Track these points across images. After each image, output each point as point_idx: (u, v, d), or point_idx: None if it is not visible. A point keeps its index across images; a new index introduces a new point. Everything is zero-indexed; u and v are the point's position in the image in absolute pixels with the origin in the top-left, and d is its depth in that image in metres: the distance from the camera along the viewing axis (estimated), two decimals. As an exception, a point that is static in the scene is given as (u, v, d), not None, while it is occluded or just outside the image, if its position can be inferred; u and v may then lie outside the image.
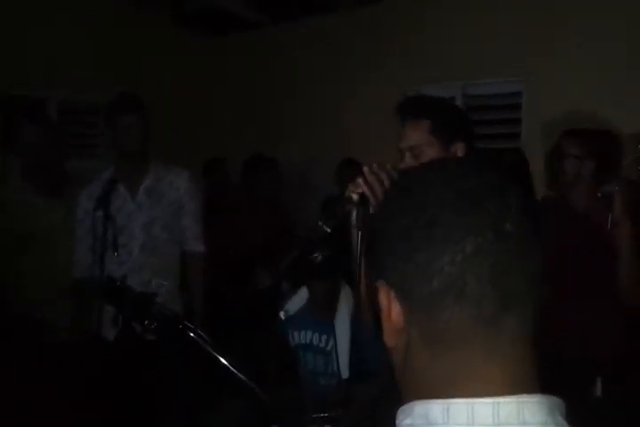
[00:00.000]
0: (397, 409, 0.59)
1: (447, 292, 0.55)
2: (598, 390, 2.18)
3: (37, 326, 2.58)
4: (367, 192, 1.49)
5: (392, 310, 0.59)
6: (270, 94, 5.03)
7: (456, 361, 0.56)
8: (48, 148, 2.68)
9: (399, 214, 0.59)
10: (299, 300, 2.79)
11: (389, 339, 0.61)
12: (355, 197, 1.49)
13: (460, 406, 0.53)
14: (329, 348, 2.68)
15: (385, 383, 1.86)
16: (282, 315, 2.74)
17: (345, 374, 2.63)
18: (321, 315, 2.73)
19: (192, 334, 1.18)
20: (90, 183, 2.60)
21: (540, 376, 0.57)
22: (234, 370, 1.13)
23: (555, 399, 0.55)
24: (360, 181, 1.50)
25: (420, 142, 1.58)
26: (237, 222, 3.74)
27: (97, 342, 2.44)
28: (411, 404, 0.57)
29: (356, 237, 1.49)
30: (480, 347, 0.55)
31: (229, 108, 5.28)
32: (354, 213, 1.51)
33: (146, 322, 1.25)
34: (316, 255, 2.57)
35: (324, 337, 2.70)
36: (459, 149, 1.58)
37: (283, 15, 4.83)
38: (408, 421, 0.56)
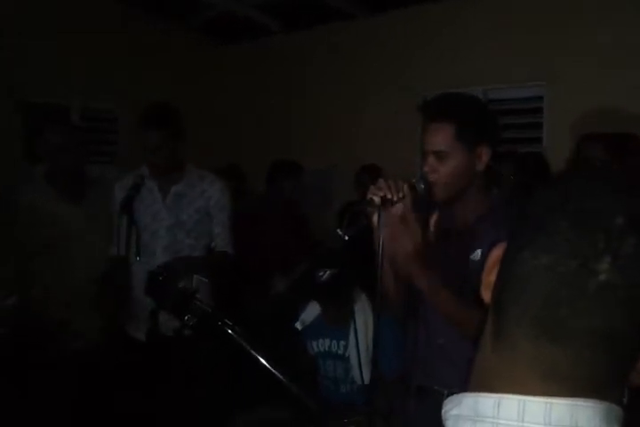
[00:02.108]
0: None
1: (537, 276, 0.52)
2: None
3: (58, 329, 2.60)
4: (389, 195, 1.50)
5: (494, 269, 0.59)
6: (287, 101, 5.05)
7: (520, 355, 0.54)
8: (71, 152, 2.72)
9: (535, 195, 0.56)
10: (314, 308, 2.78)
11: (485, 296, 0.61)
12: (376, 199, 1.50)
13: (511, 402, 0.52)
14: (347, 354, 2.67)
15: (399, 391, 1.85)
16: (298, 325, 2.73)
17: (359, 379, 2.61)
18: (336, 321, 2.71)
19: (230, 332, 1.18)
20: (126, 176, 2.61)
21: (609, 387, 0.53)
22: (272, 369, 1.12)
23: (612, 406, 0.52)
24: (382, 184, 1.52)
25: (444, 147, 1.56)
26: (256, 228, 3.74)
27: (126, 342, 2.46)
28: (460, 395, 0.56)
29: (379, 239, 1.50)
30: (541, 349, 0.53)
31: (246, 116, 5.30)
32: (375, 216, 1.51)
33: (186, 318, 1.26)
34: (321, 274, 2.55)
35: (341, 343, 2.69)
36: (483, 153, 1.57)
37: (299, 22, 4.85)
38: (455, 411, 0.55)
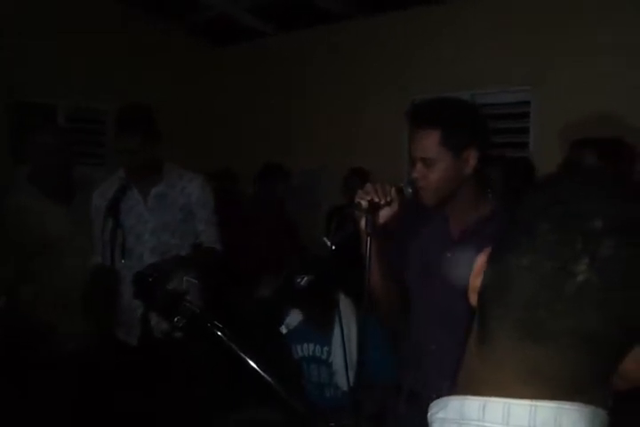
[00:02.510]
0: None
1: (523, 274, 0.53)
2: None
3: (47, 331, 2.59)
4: (377, 199, 1.51)
5: (480, 274, 0.60)
6: (278, 104, 5.05)
7: (504, 358, 0.55)
8: (57, 153, 2.70)
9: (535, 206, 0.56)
10: (298, 313, 2.78)
11: (472, 299, 0.61)
12: (364, 203, 1.51)
13: (496, 405, 0.53)
14: (330, 360, 2.67)
15: (389, 395, 1.85)
16: (283, 329, 2.72)
17: (344, 385, 2.61)
18: (320, 327, 2.72)
19: (219, 333, 1.17)
20: (103, 182, 2.59)
21: (592, 390, 0.54)
22: (260, 372, 1.12)
23: (597, 410, 0.53)
24: (370, 188, 1.53)
25: (430, 154, 1.56)
26: (244, 231, 3.74)
27: (116, 345, 2.44)
28: (445, 398, 0.57)
29: (366, 242, 1.51)
30: (524, 351, 0.54)
31: (237, 118, 5.30)
32: (363, 220, 1.52)
33: (175, 319, 1.25)
34: (299, 280, 2.55)
35: (325, 348, 2.69)
36: (471, 156, 1.56)
37: (293, 24, 4.86)
38: (441, 414, 0.56)
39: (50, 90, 4.41)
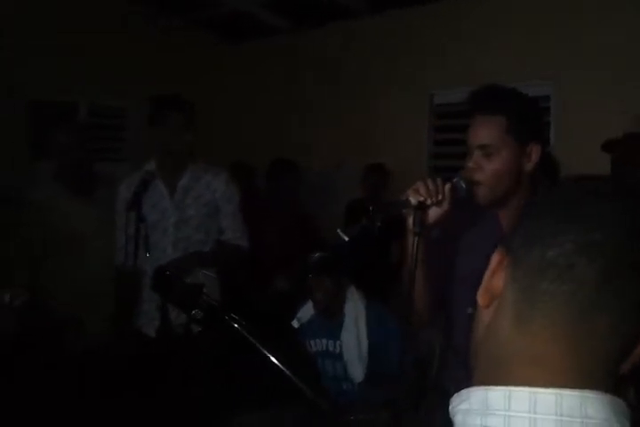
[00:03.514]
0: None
1: (555, 267, 0.55)
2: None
3: (68, 327, 2.62)
4: (427, 199, 1.41)
5: (497, 273, 0.61)
6: (294, 100, 5.05)
7: (536, 337, 0.56)
8: (79, 150, 2.74)
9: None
10: (309, 307, 2.81)
11: (482, 297, 0.62)
12: (413, 200, 1.42)
13: (522, 394, 0.53)
14: (342, 352, 2.70)
15: (402, 387, 1.84)
16: (295, 323, 2.74)
17: (357, 377, 2.63)
18: (330, 319, 2.74)
19: (237, 326, 1.18)
20: (131, 175, 2.59)
21: (612, 383, 0.56)
22: (282, 367, 1.12)
23: (619, 401, 0.54)
24: (420, 185, 1.43)
25: (493, 141, 1.44)
26: (259, 226, 3.75)
27: (135, 337, 2.47)
28: (467, 389, 0.57)
29: (412, 241, 1.42)
30: (562, 331, 0.55)
31: (254, 113, 5.31)
32: (410, 218, 1.43)
33: (193, 312, 1.26)
34: (312, 256, 2.60)
35: (337, 342, 2.72)
36: (534, 151, 1.45)
37: (307, 20, 4.86)
38: (464, 406, 0.56)
39: (69, 87, 4.45)
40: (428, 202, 1.42)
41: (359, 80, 4.69)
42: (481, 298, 0.62)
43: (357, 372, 2.64)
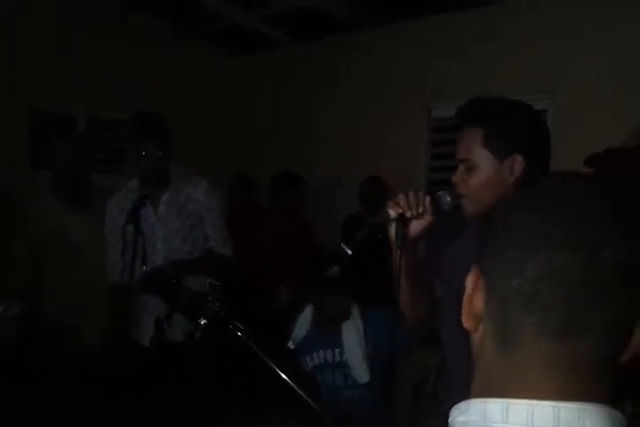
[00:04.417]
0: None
1: (522, 296, 0.55)
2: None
3: (65, 333, 2.62)
4: (407, 212, 1.42)
5: (475, 294, 0.60)
6: (292, 112, 5.08)
7: (519, 363, 0.56)
8: (77, 161, 2.75)
9: (511, 212, 0.60)
10: (304, 323, 2.83)
11: (466, 321, 0.62)
12: (392, 213, 1.43)
13: (520, 407, 0.53)
14: (344, 359, 2.70)
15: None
16: (290, 344, 2.76)
17: (362, 378, 2.64)
18: (327, 330, 2.75)
19: (241, 335, 1.18)
20: (116, 192, 2.64)
21: (608, 394, 0.55)
22: (282, 374, 1.12)
23: (616, 413, 0.54)
24: (401, 198, 1.44)
25: (470, 155, 1.43)
26: (260, 239, 3.75)
27: (134, 346, 2.47)
28: (466, 402, 0.57)
29: (396, 253, 1.42)
30: (543, 357, 0.55)
31: (253, 127, 5.33)
32: (392, 230, 1.44)
33: (199, 320, 1.26)
34: (331, 270, 2.60)
35: (336, 350, 2.74)
36: (515, 163, 1.40)
37: (308, 34, 4.89)
38: (462, 418, 0.56)
39: (69, 100, 4.47)
40: (408, 214, 1.42)
41: (357, 93, 4.71)
42: (466, 322, 0.62)
43: (362, 372, 2.65)
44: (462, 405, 0.57)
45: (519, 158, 1.40)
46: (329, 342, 2.75)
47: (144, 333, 2.42)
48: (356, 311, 2.78)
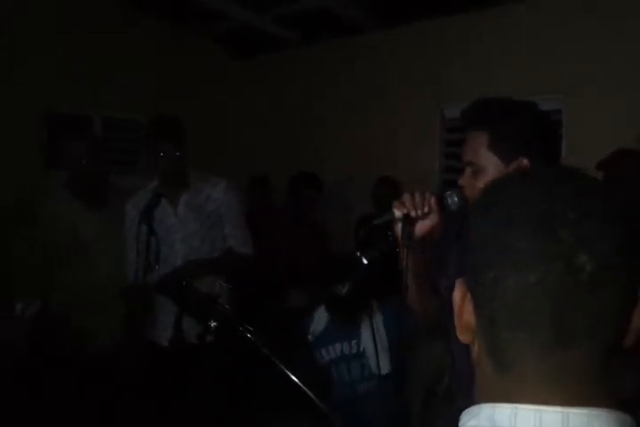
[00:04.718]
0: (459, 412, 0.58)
1: (506, 314, 0.55)
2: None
3: (77, 335, 2.64)
4: (412, 212, 1.42)
5: (465, 309, 0.60)
6: (304, 114, 5.08)
7: (518, 378, 0.55)
8: (93, 162, 2.78)
9: (483, 226, 0.58)
10: (322, 317, 2.82)
11: (461, 335, 0.61)
12: (397, 213, 1.43)
13: (528, 413, 0.53)
14: (362, 349, 2.70)
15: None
16: (310, 338, 2.76)
17: (376, 369, 2.62)
18: (347, 327, 2.75)
19: (250, 336, 1.18)
20: (135, 194, 2.67)
21: (613, 397, 0.55)
22: (291, 376, 1.12)
23: (626, 417, 0.53)
24: (406, 198, 1.44)
25: (476, 159, 1.42)
26: (275, 239, 3.76)
27: (150, 346, 2.49)
28: (477, 406, 0.56)
29: (403, 253, 1.42)
30: (537, 370, 0.54)
31: (263, 127, 5.34)
32: (399, 229, 1.44)
33: (209, 322, 1.27)
34: (341, 287, 2.59)
35: (353, 342, 2.73)
36: (522, 167, 1.38)
37: (318, 34, 4.90)
38: (473, 422, 0.56)
39: (84, 101, 4.51)
40: (413, 214, 1.42)
41: (371, 94, 4.70)
42: (461, 336, 0.61)
43: (383, 363, 2.63)
44: (473, 409, 0.57)
45: (525, 161, 1.39)
46: (346, 335, 2.75)
47: (161, 334, 2.43)
48: (374, 304, 2.76)
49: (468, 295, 0.59)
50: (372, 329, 2.64)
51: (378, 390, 2.67)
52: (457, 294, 0.61)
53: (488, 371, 0.58)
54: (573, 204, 0.54)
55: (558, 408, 0.52)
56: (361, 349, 2.70)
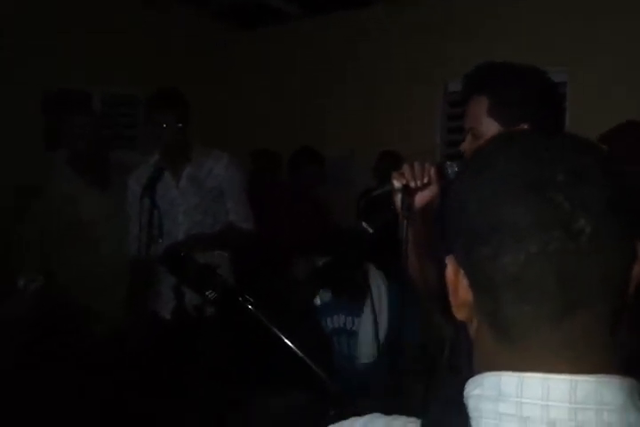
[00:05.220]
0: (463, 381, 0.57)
1: (509, 290, 0.53)
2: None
3: (84, 314, 2.65)
4: (411, 182, 1.40)
5: (460, 285, 0.58)
6: (305, 88, 5.03)
7: (523, 348, 0.54)
8: (95, 139, 2.76)
9: (468, 199, 0.56)
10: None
11: (458, 313, 0.59)
12: (397, 184, 1.41)
13: (535, 381, 0.52)
14: (356, 329, 2.72)
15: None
16: (317, 301, 2.76)
17: (365, 357, 2.64)
18: (352, 300, 2.76)
19: (251, 307, 1.18)
20: (137, 168, 2.66)
21: (619, 362, 0.54)
22: (292, 346, 1.12)
23: (634, 381, 0.53)
24: (406, 169, 1.42)
25: (476, 124, 1.39)
26: (278, 213, 3.76)
27: (154, 319, 2.50)
28: (482, 375, 0.55)
29: (403, 224, 1.41)
30: (546, 341, 0.53)
31: (265, 103, 5.29)
32: (398, 200, 1.43)
33: (207, 293, 1.26)
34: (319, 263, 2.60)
35: (356, 320, 2.73)
36: None
37: (318, 8, 4.82)
38: (477, 391, 0.54)
39: (83, 77, 4.47)
40: (412, 185, 1.40)
41: (373, 68, 4.65)
42: (459, 315, 0.59)
43: (368, 351, 2.65)
44: (477, 378, 0.55)
45: (526, 127, 1.36)
46: (351, 310, 2.75)
47: (164, 306, 2.45)
48: (382, 287, 2.75)
49: (461, 272, 0.57)
50: (372, 302, 2.65)
51: (376, 366, 2.68)
52: (449, 273, 0.59)
53: (489, 344, 0.56)
54: (560, 166, 0.52)
55: (566, 376, 0.51)
56: (355, 329, 2.70)
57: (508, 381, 0.53)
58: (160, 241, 2.30)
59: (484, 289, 0.55)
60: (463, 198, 0.57)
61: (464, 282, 0.57)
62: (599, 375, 0.51)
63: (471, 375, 0.57)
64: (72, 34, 4.37)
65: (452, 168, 1.45)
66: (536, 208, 0.51)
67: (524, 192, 0.52)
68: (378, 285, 2.74)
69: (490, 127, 1.38)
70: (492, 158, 0.56)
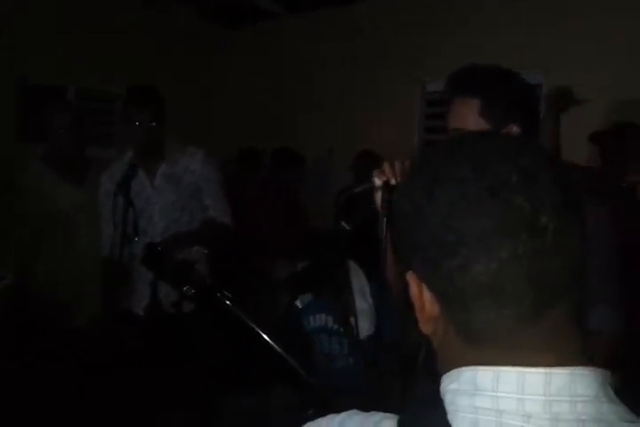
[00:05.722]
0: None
1: (484, 296, 0.53)
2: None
3: (59, 310, 2.62)
4: (391, 180, 1.41)
5: (425, 300, 0.57)
6: (284, 86, 5.02)
7: (498, 349, 0.54)
8: (73, 134, 2.73)
9: (423, 213, 0.55)
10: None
11: (425, 327, 0.59)
12: (377, 181, 1.42)
13: (510, 375, 0.52)
14: (341, 329, 2.72)
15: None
16: (298, 304, 2.76)
17: (364, 332, 2.62)
18: (333, 301, 2.76)
19: (229, 303, 1.17)
20: (110, 165, 2.62)
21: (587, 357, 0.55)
22: (271, 342, 1.12)
23: (605, 372, 0.53)
24: (386, 167, 1.43)
25: (467, 125, 1.38)
26: (257, 212, 3.76)
27: (128, 316, 2.48)
28: (458, 369, 0.55)
29: (382, 222, 1.41)
30: (521, 340, 0.54)
31: (244, 101, 5.28)
32: (378, 198, 1.43)
33: (185, 288, 1.24)
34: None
35: (337, 318, 2.74)
36: (513, 133, 1.38)
37: (300, 6, 4.81)
38: (454, 386, 0.55)
39: (59, 72, 4.41)
40: (393, 182, 1.41)
41: (352, 66, 4.66)
42: (424, 329, 0.59)
43: (365, 325, 2.62)
44: (454, 373, 0.56)
45: (516, 128, 1.38)
46: (331, 309, 2.76)
47: (138, 303, 2.42)
48: (363, 280, 2.76)
49: (424, 287, 0.57)
50: (352, 302, 2.65)
51: (354, 367, 2.68)
52: (413, 290, 0.58)
53: (458, 350, 0.56)
54: (510, 167, 0.53)
55: (541, 369, 0.52)
56: (341, 328, 2.72)
57: (483, 375, 0.53)
58: (136, 240, 2.28)
59: (453, 299, 0.55)
60: (417, 212, 0.55)
61: (427, 295, 0.57)
62: (574, 368, 0.52)
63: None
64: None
65: None
66: (498, 213, 0.51)
67: (483, 198, 0.52)
68: (360, 280, 2.74)
69: (481, 128, 1.38)
70: (441, 167, 0.56)
